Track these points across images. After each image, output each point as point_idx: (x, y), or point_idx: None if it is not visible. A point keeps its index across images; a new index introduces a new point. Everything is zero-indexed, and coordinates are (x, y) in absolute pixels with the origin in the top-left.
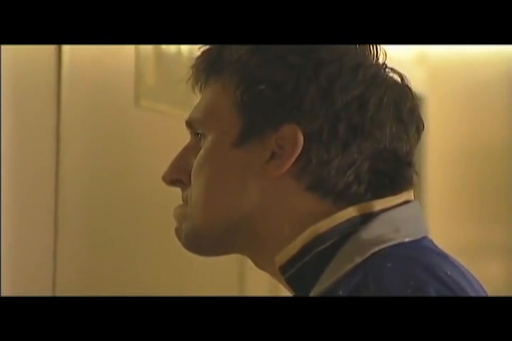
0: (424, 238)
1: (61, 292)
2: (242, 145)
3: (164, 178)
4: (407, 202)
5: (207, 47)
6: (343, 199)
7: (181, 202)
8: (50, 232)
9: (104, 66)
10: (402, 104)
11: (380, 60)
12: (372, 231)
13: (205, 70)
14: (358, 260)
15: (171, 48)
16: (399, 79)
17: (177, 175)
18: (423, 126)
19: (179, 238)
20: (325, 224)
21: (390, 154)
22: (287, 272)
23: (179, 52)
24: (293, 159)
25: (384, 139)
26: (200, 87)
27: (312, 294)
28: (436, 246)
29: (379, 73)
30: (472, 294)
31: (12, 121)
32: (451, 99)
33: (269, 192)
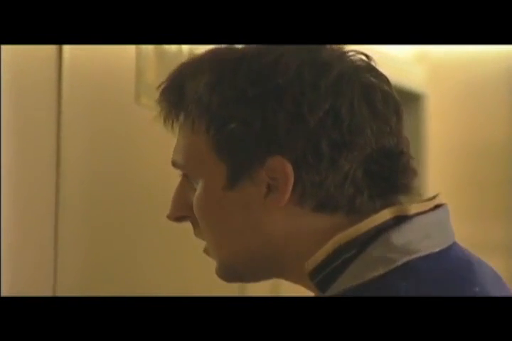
0: (455, 243)
1: (62, 292)
2: (235, 187)
3: (169, 217)
4: (438, 206)
5: (164, 85)
6: (353, 211)
7: None
8: (50, 231)
9: (105, 64)
10: (373, 97)
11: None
12: (404, 235)
13: (171, 109)
14: (381, 271)
15: (172, 46)
16: (363, 62)
17: (181, 213)
18: (401, 109)
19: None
20: (355, 230)
21: (380, 153)
22: (315, 278)
23: (180, 50)
24: (289, 189)
25: (368, 143)
26: (172, 124)
27: (329, 294)
28: (464, 251)
29: (341, 73)
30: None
31: (12, 118)
32: (452, 97)
33: (279, 224)
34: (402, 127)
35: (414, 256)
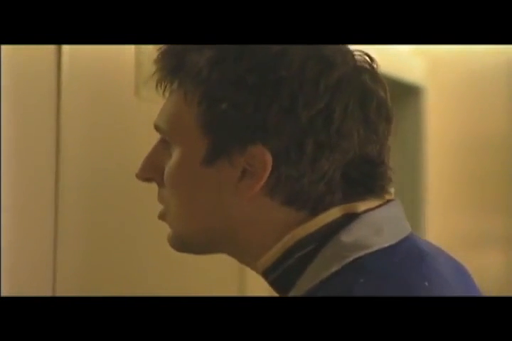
0: (407, 237)
1: (61, 291)
2: (211, 164)
3: (138, 176)
4: (388, 201)
5: (167, 47)
6: (319, 209)
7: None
8: (50, 229)
9: (105, 57)
10: (369, 104)
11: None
12: (353, 233)
13: (167, 73)
14: (334, 268)
15: None
16: (366, 64)
17: (150, 174)
18: (391, 118)
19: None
20: (306, 228)
21: (362, 159)
22: (270, 276)
23: None
24: (264, 179)
25: (353, 147)
26: (164, 89)
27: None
28: (419, 244)
29: (343, 74)
30: (461, 293)
31: (11, 111)
32: (451, 90)
33: (245, 209)
34: (389, 135)
35: (364, 251)
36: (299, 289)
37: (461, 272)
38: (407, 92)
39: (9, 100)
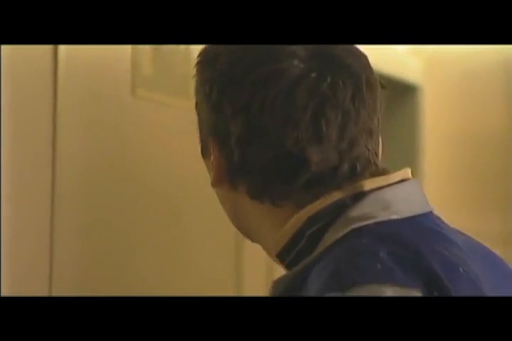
0: (423, 215)
1: (57, 291)
2: (204, 158)
3: None
4: (402, 181)
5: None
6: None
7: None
8: (46, 226)
9: (101, 56)
10: (296, 103)
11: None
12: (360, 209)
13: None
14: (337, 236)
15: None
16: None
17: None
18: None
19: None
20: (314, 207)
21: (285, 155)
22: (285, 259)
23: None
24: (214, 171)
25: (274, 144)
26: None
27: (293, 273)
28: (437, 223)
29: (275, 71)
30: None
31: (8, 110)
32: (447, 89)
33: (225, 201)
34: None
35: (369, 221)
36: (305, 262)
37: (489, 260)
38: (404, 91)
39: (6, 99)
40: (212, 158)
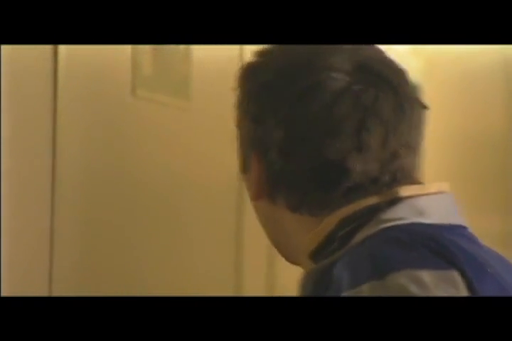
0: (457, 227)
1: (57, 291)
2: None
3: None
4: (439, 193)
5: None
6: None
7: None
8: (46, 227)
9: (101, 56)
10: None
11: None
12: (393, 213)
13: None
14: (368, 234)
15: None
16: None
17: None
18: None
19: None
20: (347, 210)
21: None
22: (318, 261)
23: None
24: (254, 186)
25: (311, 155)
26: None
27: (321, 266)
28: (467, 234)
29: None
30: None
31: (8, 111)
32: (447, 90)
33: (264, 215)
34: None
35: (402, 221)
36: (334, 257)
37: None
38: None
39: (6, 99)
40: (252, 172)
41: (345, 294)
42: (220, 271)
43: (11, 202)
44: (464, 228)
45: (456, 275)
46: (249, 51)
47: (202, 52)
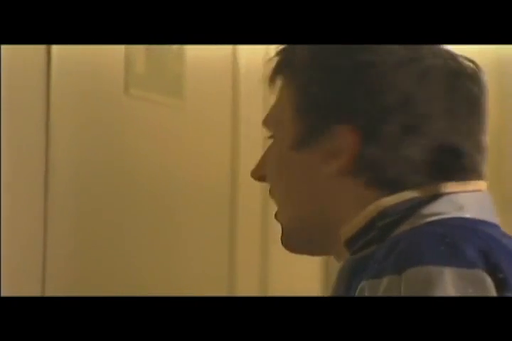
0: (494, 225)
1: (50, 290)
2: (303, 146)
3: (252, 175)
4: (477, 190)
5: (280, 47)
6: (401, 189)
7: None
8: (39, 226)
9: (95, 54)
10: (457, 98)
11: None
12: (435, 207)
13: (273, 70)
14: (409, 227)
15: None
16: (467, 68)
17: (263, 172)
18: (483, 116)
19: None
20: (390, 200)
21: (446, 147)
22: (352, 248)
23: None
24: (351, 160)
25: (436, 133)
26: (270, 86)
27: (358, 256)
28: (503, 235)
29: (434, 65)
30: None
31: (2, 110)
32: None
33: (331, 192)
34: (481, 132)
35: (443, 216)
36: (372, 248)
37: None
38: None
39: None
40: (331, 145)
41: (366, 283)
42: (213, 269)
43: (5, 202)
44: (498, 227)
45: (482, 274)
46: (242, 50)
47: (195, 51)
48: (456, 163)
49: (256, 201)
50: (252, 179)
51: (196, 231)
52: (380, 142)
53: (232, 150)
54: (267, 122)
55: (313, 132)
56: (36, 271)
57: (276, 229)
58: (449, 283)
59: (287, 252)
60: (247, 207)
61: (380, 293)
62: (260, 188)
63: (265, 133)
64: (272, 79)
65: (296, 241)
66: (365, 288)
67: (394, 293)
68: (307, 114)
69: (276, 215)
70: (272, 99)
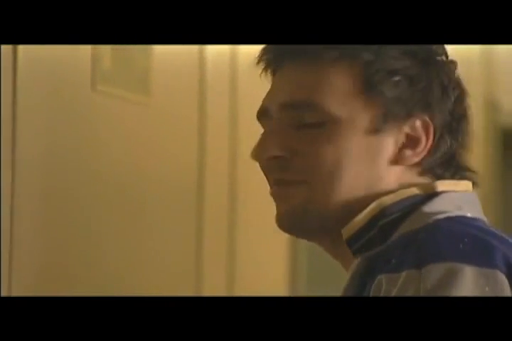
0: (487, 223)
1: (17, 290)
2: (377, 132)
3: (261, 156)
4: (466, 191)
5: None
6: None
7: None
8: (6, 223)
9: (60, 50)
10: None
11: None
12: (435, 206)
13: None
14: (415, 227)
15: None
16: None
17: (278, 152)
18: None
19: (284, 219)
20: (390, 198)
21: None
22: (353, 246)
23: None
24: (425, 151)
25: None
26: (273, 71)
27: (368, 256)
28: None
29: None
30: None
31: None
32: None
33: (391, 180)
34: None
35: (447, 214)
36: (381, 248)
37: None
38: None
39: None
40: (406, 133)
41: (383, 276)
42: (180, 267)
43: None
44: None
45: (500, 275)
46: (208, 47)
47: (162, 47)
48: (452, 161)
49: (223, 197)
50: (218, 175)
51: (163, 227)
52: (446, 136)
53: (198, 146)
54: (305, 103)
55: (392, 119)
56: (3, 270)
57: (243, 225)
58: (470, 280)
59: (254, 250)
60: (213, 204)
61: (398, 286)
62: (227, 184)
63: (239, 127)
64: (273, 63)
65: (300, 225)
66: (383, 282)
67: (412, 287)
68: (387, 100)
69: (289, 199)
70: (241, 97)
